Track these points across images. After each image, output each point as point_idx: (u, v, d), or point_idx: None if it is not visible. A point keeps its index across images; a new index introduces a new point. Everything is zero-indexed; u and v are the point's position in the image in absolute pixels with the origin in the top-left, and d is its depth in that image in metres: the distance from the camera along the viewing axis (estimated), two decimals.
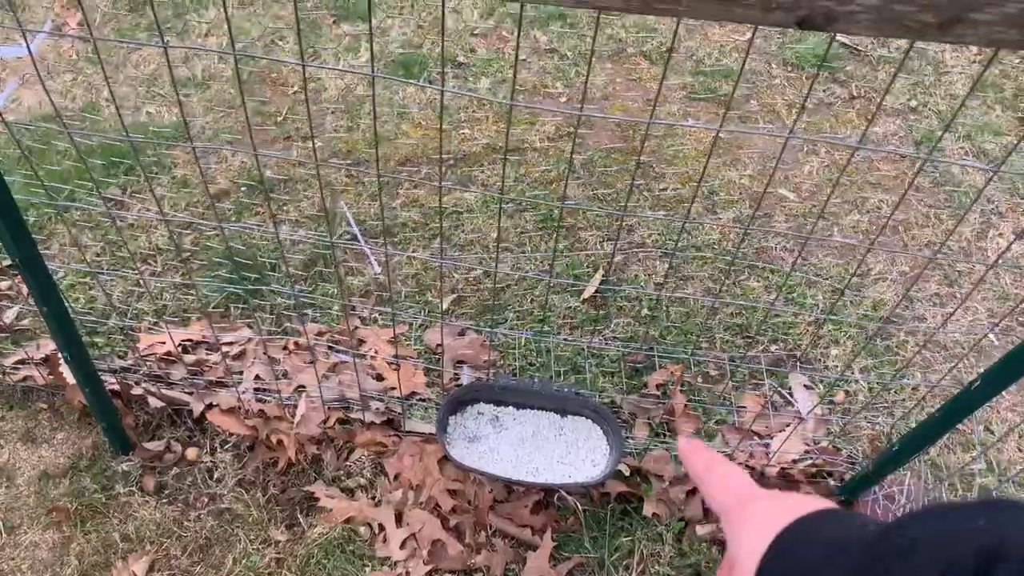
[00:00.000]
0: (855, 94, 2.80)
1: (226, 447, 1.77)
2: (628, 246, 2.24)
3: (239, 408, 1.77)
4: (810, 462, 1.76)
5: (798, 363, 1.99)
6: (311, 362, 1.81)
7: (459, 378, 1.90)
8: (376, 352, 1.92)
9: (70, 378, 1.69)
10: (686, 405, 1.87)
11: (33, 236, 1.25)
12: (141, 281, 2.04)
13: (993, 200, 2.45)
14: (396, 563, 1.61)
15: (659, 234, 2.28)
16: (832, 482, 1.76)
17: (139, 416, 1.81)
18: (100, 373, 1.58)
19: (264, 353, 1.88)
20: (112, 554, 1.62)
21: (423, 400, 1.87)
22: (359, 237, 2.18)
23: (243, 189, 2.31)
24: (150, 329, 1.94)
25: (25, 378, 1.84)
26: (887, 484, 1.71)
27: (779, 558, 0.42)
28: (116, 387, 1.77)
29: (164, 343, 1.88)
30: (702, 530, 1.68)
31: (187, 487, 1.72)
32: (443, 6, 0.75)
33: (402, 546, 1.63)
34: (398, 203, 2.31)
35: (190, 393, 1.80)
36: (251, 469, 1.75)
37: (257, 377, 1.83)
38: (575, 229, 2.29)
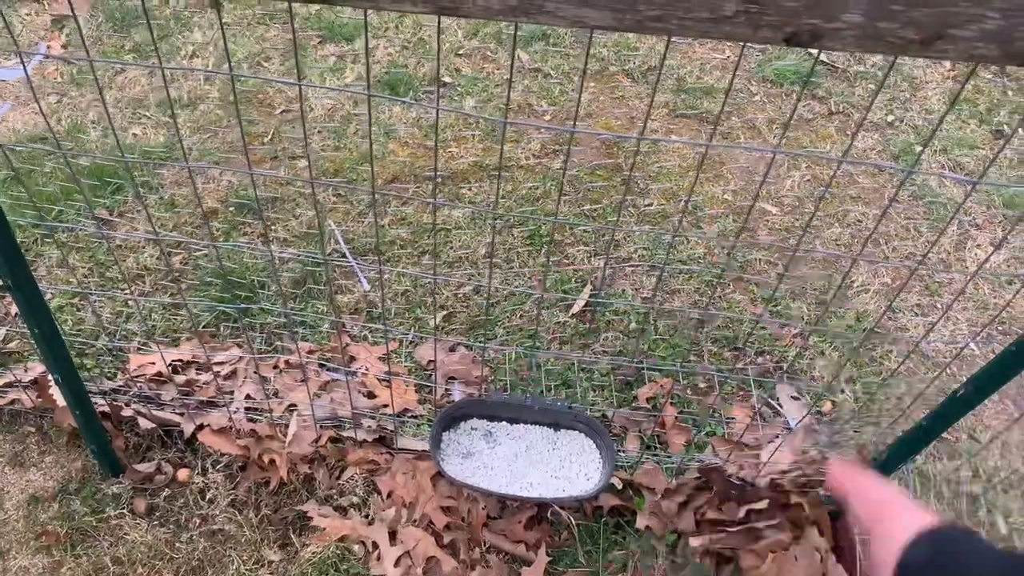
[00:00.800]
0: (833, 110, 2.85)
1: (217, 467, 1.76)
2: (616, 261, 2.26)
3: (230, 428, 1.76)
4: (799, 472, 1.78)
5: (784, 375, 2.02)
6: (302, 380, 1.81)
7: (450, 394, 1.91)
8: (367, 369, 1.92)
9: (59, 400, 1.67)
10: (676, 417, 1.88)
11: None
12: (130, 301, 2.03)
13: (970, 212, 2.51)
14: None
15: (645, 248, 2.30)
16: (822, 492, 1.77)
17: (129, 438, 1.79)
18: (89, 395, 1.57)
19: (255, 372, 1.87)
20: None
21: (415, 417, 1.87)
22: (348, 255, 2.19)
23: (231, 208, 2.32)
24: (140, 349, 1.94)
25: (13, 401, 1.82)
26: None
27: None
28: (106, 409, 1.75)
29: (154, 363, 1.87)
30: (695, 542, 1.69)
31: (178, 509, 1.71)
32: (438, 24, 0.77)
33: (396, 564, 1.62)
34: (386, 221, 2.32)
35: (181, 414, 1.79)
36: (243, 489, 1.74)
37: (248, 396, 1.83)
38: (562, 245, 2.31)
